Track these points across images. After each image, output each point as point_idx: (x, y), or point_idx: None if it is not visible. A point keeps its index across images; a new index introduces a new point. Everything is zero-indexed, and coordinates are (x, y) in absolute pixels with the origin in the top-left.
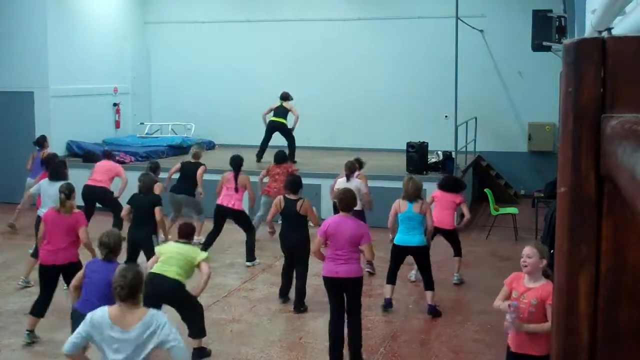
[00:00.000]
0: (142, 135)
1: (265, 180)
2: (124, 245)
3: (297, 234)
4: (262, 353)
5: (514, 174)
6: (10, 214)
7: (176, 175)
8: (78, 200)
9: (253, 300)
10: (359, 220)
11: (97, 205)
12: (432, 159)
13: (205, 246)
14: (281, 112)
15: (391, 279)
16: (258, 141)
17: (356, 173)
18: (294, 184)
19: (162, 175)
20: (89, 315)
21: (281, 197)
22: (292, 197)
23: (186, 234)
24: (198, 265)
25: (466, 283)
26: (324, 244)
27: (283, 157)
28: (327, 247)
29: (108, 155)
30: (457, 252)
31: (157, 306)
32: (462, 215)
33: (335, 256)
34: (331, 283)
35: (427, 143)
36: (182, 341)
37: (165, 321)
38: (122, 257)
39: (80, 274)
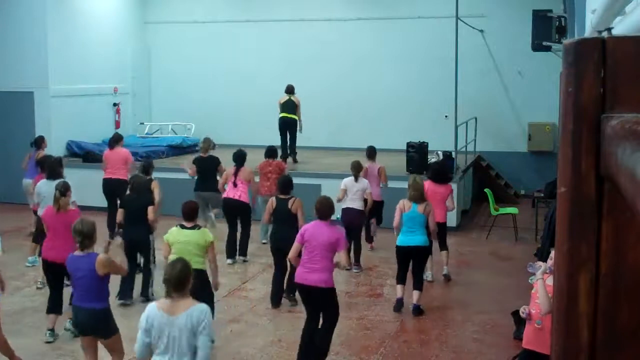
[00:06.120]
0: (142, 135)
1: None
2: (114, 244)
3: (288, 233)
4: (262, 353)
5: (514, 174)
6: (9, 214)
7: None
8: (99, 196)
9: (253, 300)
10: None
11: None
12: (432, 159)
13: (231, 254)
14: (291, 107)
15: (401, 279)
16: (258, 141)
17: (377, 166)
18: (285, 185)
19: (157, 174)
20: (142, 316)
21: (273, 198)
22: (283, 196)
23: (189, 214)
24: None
25: (466, 283)
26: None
27: (275, 153)
28: (303, 253)
29: (115, 142)
30: (443, 246)
31: None
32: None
33: (308, 262)
34: (302, 290)
35: (427, 143)
36: (212, 346)
37: (210, 319)
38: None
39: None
